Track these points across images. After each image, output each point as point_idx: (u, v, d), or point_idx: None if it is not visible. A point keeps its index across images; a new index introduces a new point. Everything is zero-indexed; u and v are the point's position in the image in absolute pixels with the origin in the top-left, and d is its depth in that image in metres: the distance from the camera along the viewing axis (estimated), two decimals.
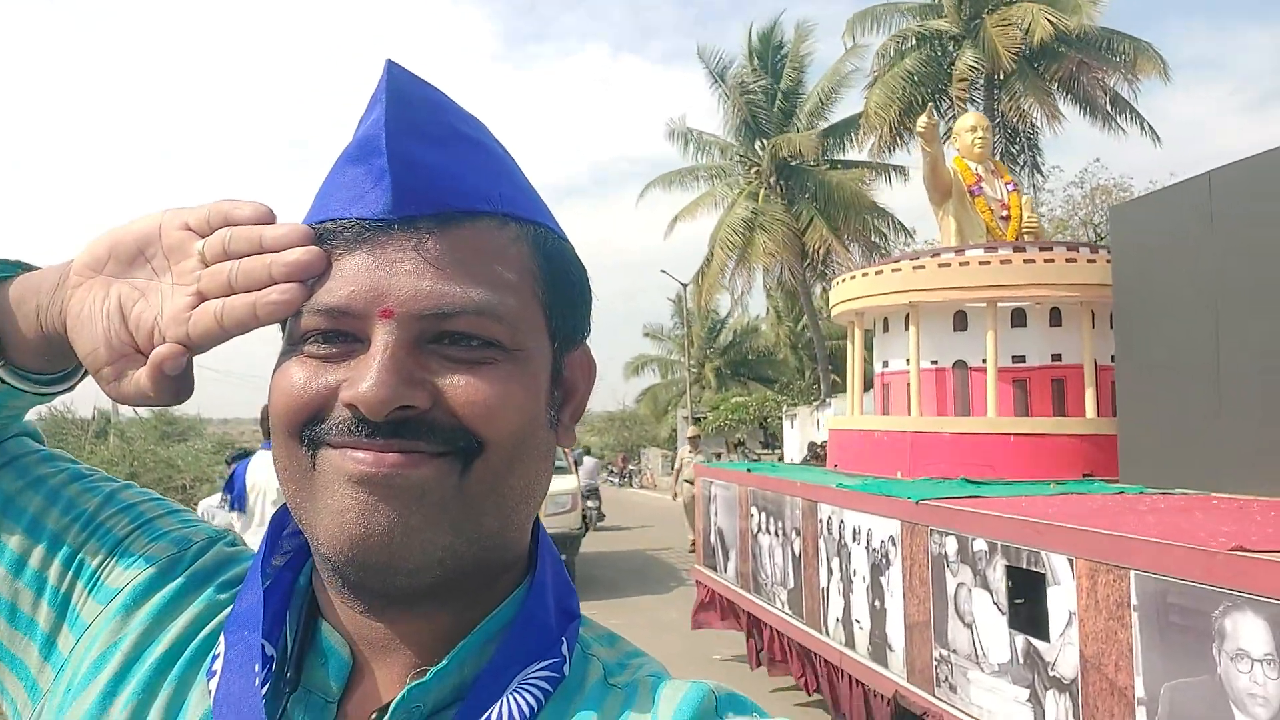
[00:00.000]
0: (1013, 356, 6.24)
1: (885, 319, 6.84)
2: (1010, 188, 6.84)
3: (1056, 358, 6.31)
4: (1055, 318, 6.33)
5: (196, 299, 0.64)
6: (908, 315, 6.60)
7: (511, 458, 0.64)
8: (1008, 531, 3.87)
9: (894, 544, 4.84)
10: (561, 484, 11.76)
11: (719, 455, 21.01)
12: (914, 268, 6.24)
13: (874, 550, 5.05)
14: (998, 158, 27.60)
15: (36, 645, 0.73)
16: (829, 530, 5.58)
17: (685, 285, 27.88)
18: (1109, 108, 26.35)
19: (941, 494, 4.75)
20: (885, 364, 6.86)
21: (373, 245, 0.62)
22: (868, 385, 8.38)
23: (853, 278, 6.72)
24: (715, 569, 7.64)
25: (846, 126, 27.89)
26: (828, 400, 26.78)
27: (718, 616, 7.76)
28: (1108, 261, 6.07)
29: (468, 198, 0.64)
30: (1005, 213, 6.78)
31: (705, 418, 30.36)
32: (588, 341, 0.75)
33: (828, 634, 5.59)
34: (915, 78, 25.90)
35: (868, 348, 7.60)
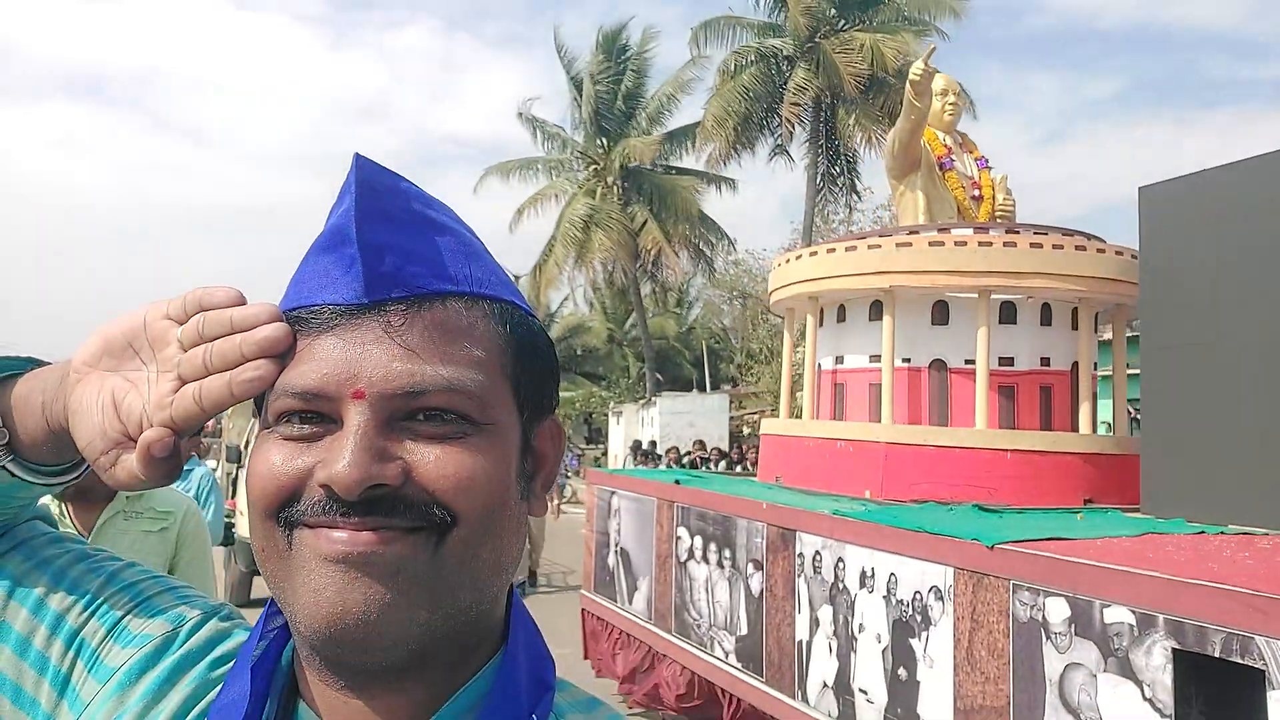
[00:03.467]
0: (1000, 358, 4.86)
1: (842, 306, 5.33)
2: (981, 164, 5.51)
3: (1045, 361, 4.99)
4: (1046, 315, 5.01)
5: (178, 383, 0.64)
6: (876, 303, 5.12)
7: (483, 530, 0.62)
8: (1186, 602, 2.43)
9: (940, 598, 3.33)
10: None
11: None
12: (897, 245, 4.77)
13: (901, 603, 3.53)
14: (818, 179, 27.47)
15: None
16: (814, 569, 4.01)
17: (519, 278, 25.94)
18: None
19: (998, 531, 3.28)
20: (838, 359, 5.36)
21: (344, 329, 0.62)
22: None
23: (812, 254, 5.22)
24: (614, 599, 5.92)
25: (684, 134, 26.92)
26: (653, 399, 25.56)
27: (611, 652, 6.05)
28: (1118, 254, 4.78)
29: (436, 279, 0.64)
30: (977, 191, 5.42)
31: None
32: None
33: (806, 701, 4.03)
34: (751, 94, 25.18)
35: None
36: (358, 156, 0.66)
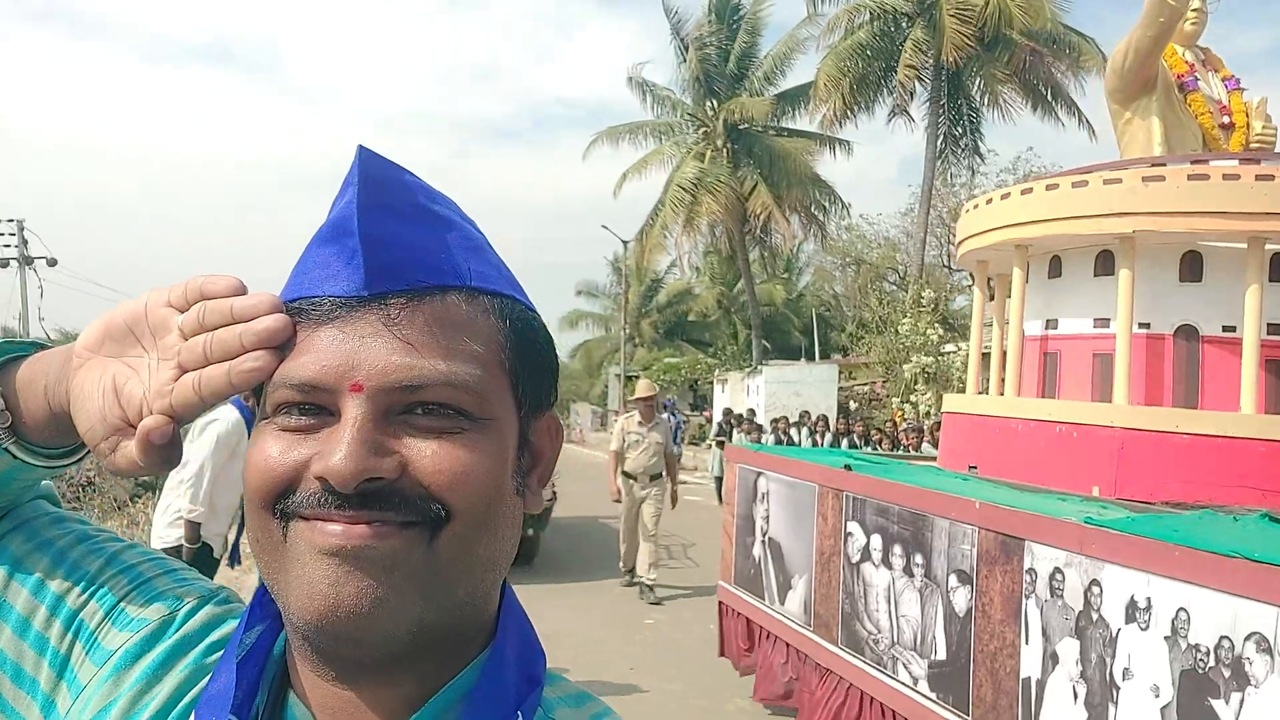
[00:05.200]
0: (1269, 324, 3.73)
1: (1056, 258, 4.26)
2: (1231, 84, 4.34)
3: None
4: None
5: (178, 371, 0.63)
6: (1105, 253, 4.04)
7: (479, 525, 0.61)
8: None
9: (1267, 650, 2.32)
10: None
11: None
12: (1144, 179, 3.67)
13: (1196, 650, 2.55)
14: (940, 140, 25.84)
15: (38, 704, 0.72)
16: (1052, 590, 3.03)
17: (626, 243, 25.16)
18: (1051, 98, 24.51)
19: None
20: (1049, 323, 4.29)
21: (344, 321, 0.61)
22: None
23: (1025, 192, 4.16)
24: (761, 595, 5.02)
25: (797, 95, 25.63)
26: (759, 367, 24.53)
27: (746, 652, 5.18)
28: None
29: (437, 273, 0.63)
30: (1226, 118, 4.26)
31: (636, 377, 27.93)
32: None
33: None
34: (868, 51, 23.67)
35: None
36: (361, 148, 0.64)
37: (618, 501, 8.39)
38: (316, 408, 0.61)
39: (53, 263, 27.52)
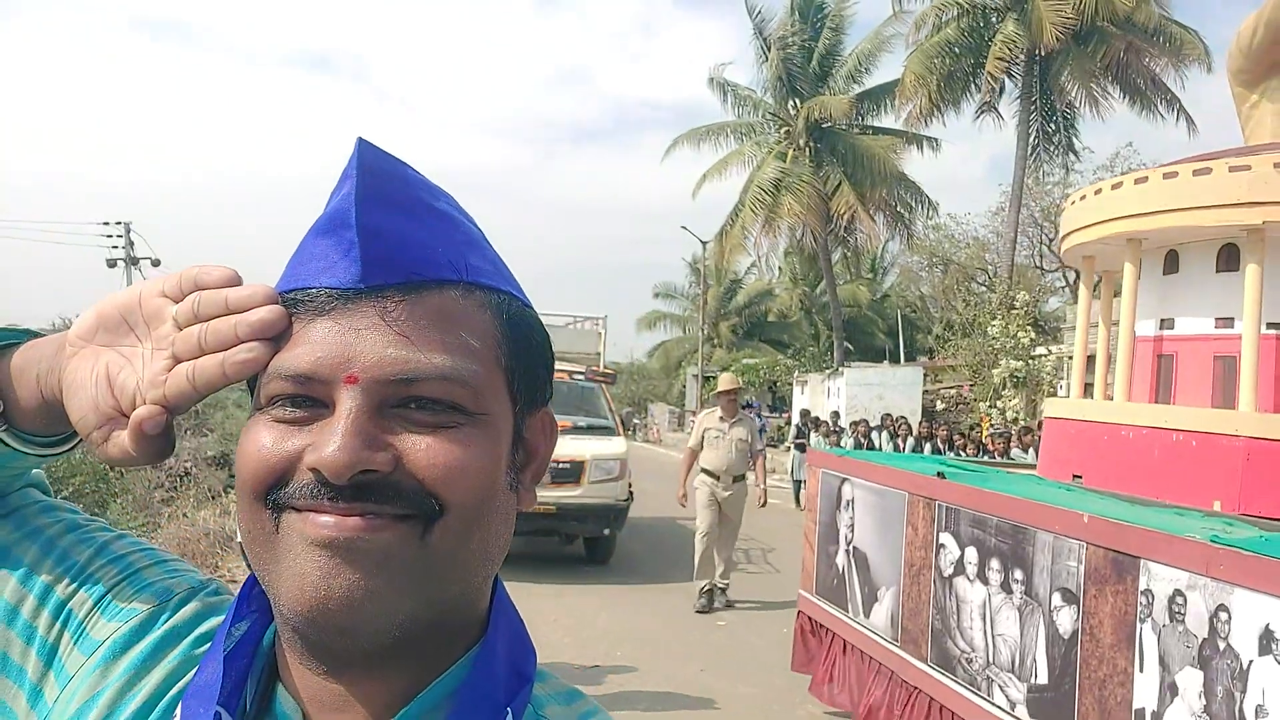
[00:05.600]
0: None
1: (1172, 252, 3.92)
2: None
3: None
4: None
5: (172, 361, 0.63)
6: (1229, 246, 3.70)
7: (472, 520, 0.61)
8: None
9: None
10: (608, 447, 8.76)
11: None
12: (1275, 165, 3.32)
13: None
14: (1031, 138, 24.93)
15: (24, 694, 0.70)
16: (1171, 615, 2.75)
17: (705, 243, 24.95)
18: (1149, 92, 23.45)
19: None
20: (1163, 323, 3.95)
21: (340, 313, 0.60)
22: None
23: (1139, 181, 3.83)
24: (845, 607, 4.77)
25: (882, 92, 25.12)
26: (840, 368, 24.04)
27: (828, 668, 4.93)
28: None
29: (434, 267, 0.63)
30: None
31: (714, 377, 27.67)
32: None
33: None
34: (956, 48, 23.02)
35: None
36: (360, 140, 0.64)
37: (684, 504, 7.96)
38: (311, 400, 0.60)
39: (156, 263, 28.57)
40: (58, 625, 0.71)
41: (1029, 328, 20.94)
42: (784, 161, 24.88)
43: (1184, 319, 3.98)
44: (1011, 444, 14.56)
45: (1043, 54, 22.76)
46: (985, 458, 13.86)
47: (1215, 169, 3.58)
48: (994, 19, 22.82)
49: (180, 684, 0.67)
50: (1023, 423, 18.05)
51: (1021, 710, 3.48)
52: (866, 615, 4.63)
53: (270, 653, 0.66)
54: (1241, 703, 2.62)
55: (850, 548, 4.82)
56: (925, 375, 24.61)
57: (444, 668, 0.63)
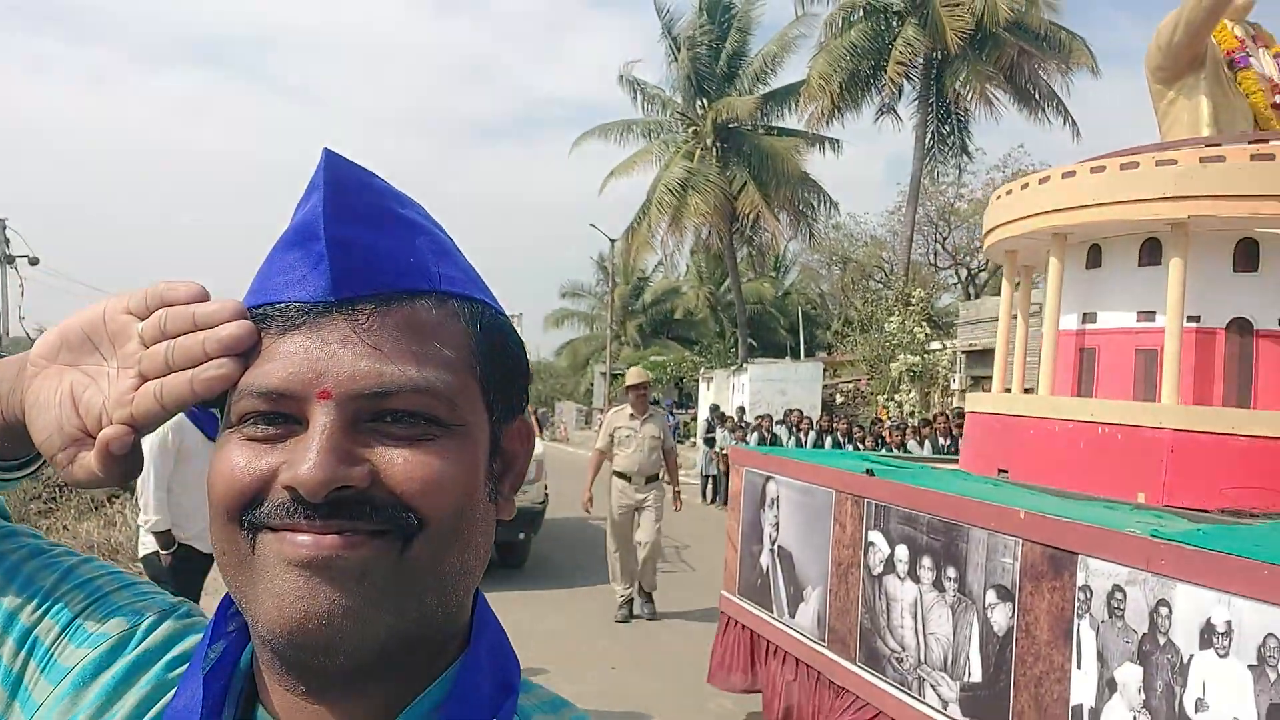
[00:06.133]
0: None
1: (1095, 247, 3.93)
2: None
3: None
4: None
5: (139, 380, 0.61)
6: (1151, 240, 3.72)
7: (451, 534, 0.59)
8: None
9: None
10: None
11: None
12: (1202, 159, 3.33)
13: None
14: (928, 139, 25.60)
15: None
16: (1110, 611, 2.70)
17: (613, 241, 24.79)
18: (1038, 97, 24.34)
19: None
20: (1086, 317, 3.95)
21: (310, 327, 0.59)
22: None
23: (1066, 175, 3.85)
24: (769, 607, 4.66)
25: (786, 93, 25.41)
26: (744, 364, 24.24)
27: (745, 670, 4.82)
28: None
29: (405, 277, 0.61)
30: (1278, 96, 3.93)
31: (622, 375, 27.66)
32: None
33: None
34: (858, 50, 23.41)
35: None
36: (326, 151, 0.62)
37: (589, 510, 7.53)
38: (283, 416, 0.59)
39: (34, 261, 26.86)
40: (23, 653, 0.69)
41: (924, 323, 21.50)
42: (691, 161, 24.93)
43: (1106, 313, 3.99)
44: (907, 436, 14.87)
45: (940, 58, 23.38)
46: (884, 450, 14.11)
47: (1142, 163, 3.58)
48: (895, 23, 23.32)
49: (155, 709, 0.66)
50: (919, 416, 18.50)
51: (954, 709, 3.42)
52: (792, 615, 4.53)
53: (248, 674, 0.65)
54: (1182, 697, 2.58)
55: (775, 547, 4.72)
56: (825, 370, 25.02)
57: (427, 682, 0.62)
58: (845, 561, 4.10)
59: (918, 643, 3.64)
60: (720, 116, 23.99)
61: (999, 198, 4.35)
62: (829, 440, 15.55)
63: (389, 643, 0.58)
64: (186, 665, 0.66)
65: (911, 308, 21.12)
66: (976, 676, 3.33)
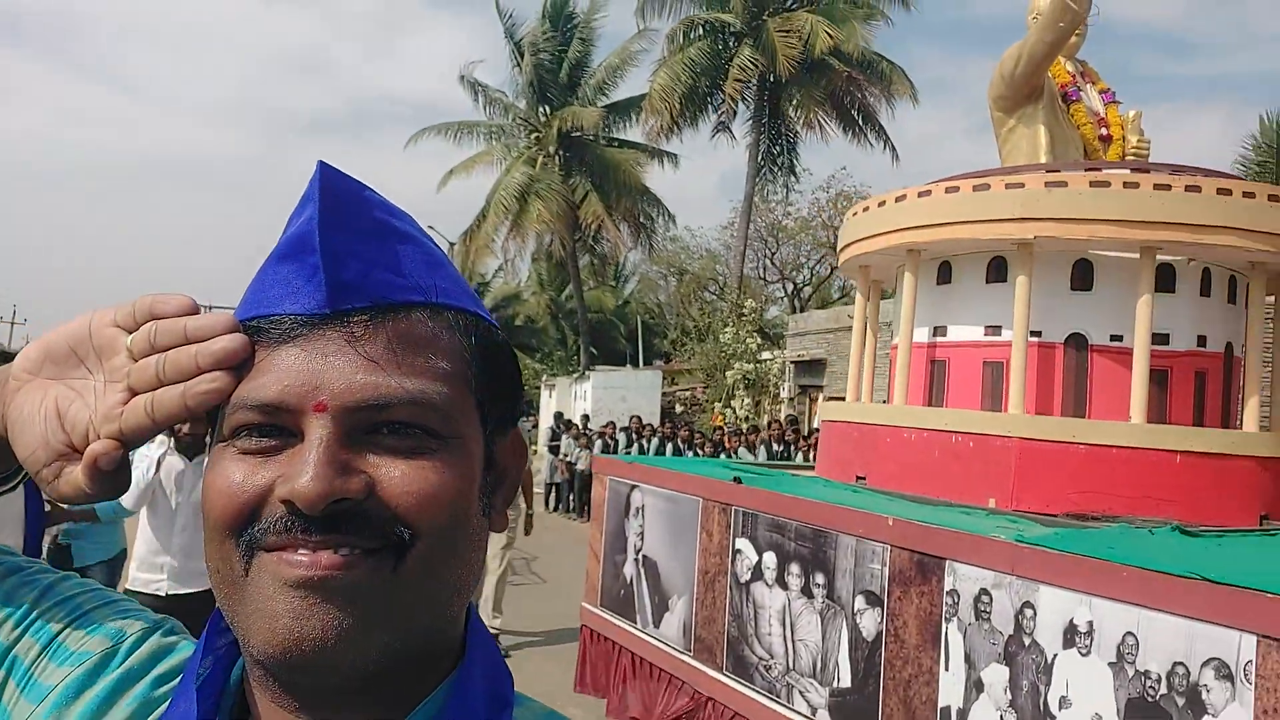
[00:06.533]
0: (1153, 335, 3.70)
1: (946, 264, 4.11)
2: (1107, 98, 4.34)
3: (1201, 341, 3.86)
4: (1205, 283, 3.87)
5: (128, 394, 0.60)
6: (997, 259, 3.92)
7: (445, 549, 0.59)
8: None
9: (1228, 677, 2.16)
10: None
11: None
12: (1047, 184, 3.54)
13: (1146, 676, 2.36)
14: (759, 158, 26.47)
15: None
16: (977, 614, 2.80)
17: (452, 244, 24.27)
18: (862, 122, 25.63)
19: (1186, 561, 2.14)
20: (936, 330, 4.13)
21: (306, 340, 0.58)
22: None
23: (922, 194, 3.97)
24: (633, 618, 4.62)
25: (628, 106, 25.57)
26: (586, 372, 24.27)
27: (613, 680, 4.76)
28: None
29: (400, 289, 0.61)
30: (1104, 130, 4.25)
31: None
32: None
33: None
34: (698, 67, 23.92)
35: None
36: (321, 164, 0.62)
37: None
38: (278, 429, 0.58)
39: None
40: (2, 673, 0.68)
41: (756, 334, 22.19)
42: (533, 168, 24.75)
43: (955, 327, 4.17)
44: (741, 443, 15.28)
45: (774, 80, 24.22)
46: (723, 455, 14.44)
47: (993, 185, 3.76)
48: (733, 43, 23.98)
49: None
50: (752, 422, 19.05)
51: (823, 715, 3.46)
52: (656, 625, 4.49)
53: (238, 691, 0.64)
54: (1046, 695, 2.70)
55: (640, 557, 4.67)
56: (664, 378, 25.39)
57: (421, 698, 0.61)
58: (712, 570, 4.10)
59: (786, 649, 3.67)
60: (565, 125, 23.94)
61: (855, 215, 4.48)
62: (669, 447, 15.75)
63: (382, 660, 0.57)
64: (172, 682, 0.67)
65: (745, 319, 21.74)
66: (846, 681, 3.39)
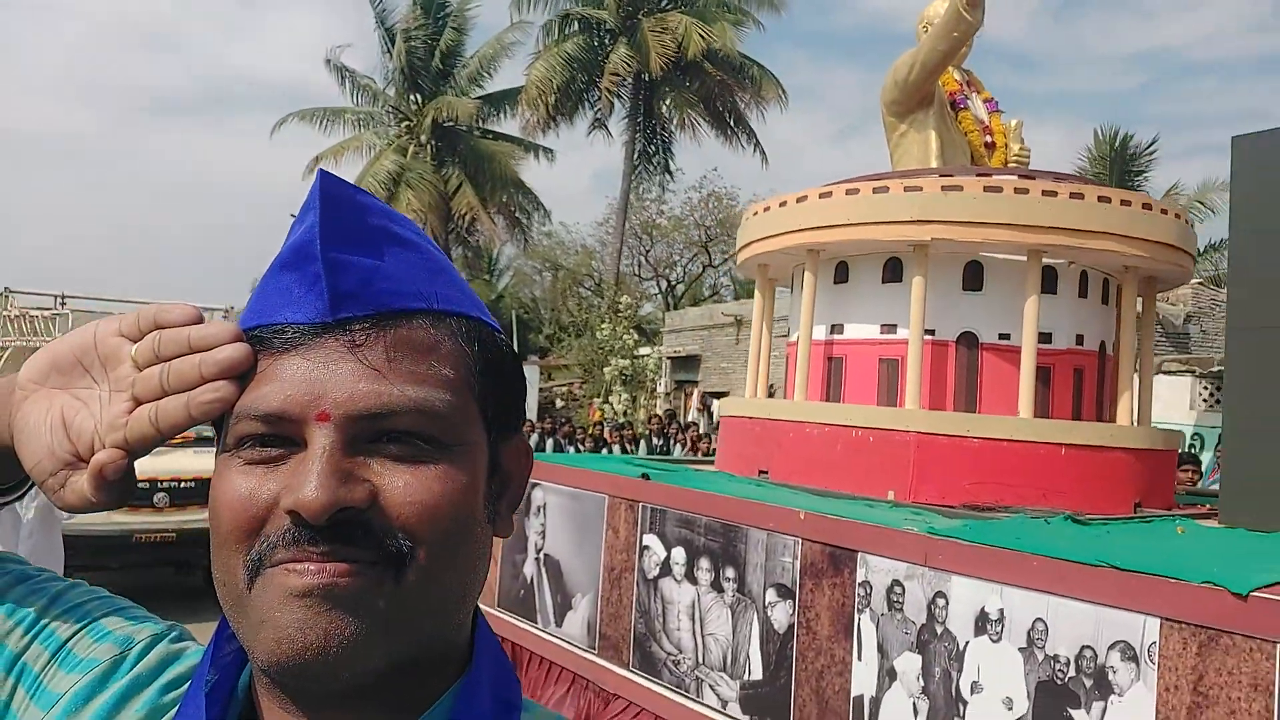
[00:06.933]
0: (1039, 334, 3.90)
1: (843, 264, 4.20)
2: (991, 107, 4.53)
3: (1079, 340, 4.09)
4: (1083, 285, 4.11)
5: (133, 404, 0.61)
6: (893, 260, 4.04)
7: (449, 557, 0.59)
8: None
9: (1133, 659, 2.28)
10: (186, 464, 7.24)
11: None
12: (944, 188, 3.67)
13: (1055, 660, 2.47)
14: (635, 156, 26.61)
15: None
16: (890, 604, 2.87)
17: None
18: (733, 125, 26.13)
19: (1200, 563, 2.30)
20: (834, 328, 4.22)
21: (308, 349, 0.59)
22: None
23: (823, 195, 4.02)
24: (533, 618, 4.54)
25: (503, 98, 25.21)
26: None
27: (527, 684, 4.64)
28: (1175, 216, 3.94)
29: (402, 297, 0.61)
30: (989, 137, 4.44)
31: None
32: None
33: None
34: (574, 62, 23.82)
35: None
36: (321, 172, 0.62)
37: None
38: (281, 438, 0.58)
39: None
40: (11, 680, 0.69)
41: (633, 330, 22.33)
42: (404, 156, 24.10)
43: (853, 325, 4.26)
44: (618, 438, 15.36)
45: (649, 80, 24.36)
46: (605, 450, 14.47)
47: (892, 187, 3.85)
48: (608, 40, 23.99)
49: None
50: (628, 417, 19.17)
51: (734, 708, 3.47)
52: (559, 624, 4.42)
53: (246, 697, 0.64)
54: (958, 681, 2.78)
55: (541, 555, 4.58)
56: (540, 373, 25.21)
57: (428, 704, 0.62)
58: (619, 567, 4.06)
59: (696, 644, 3.66)
60: (439, 115, 23.41)
61: (756, 214, 4.52)
62: (550, 443, 15.67)
63: (387, 668, 0.57)
64: (180, 688, 0.67)
65: (621, 315, 21.84)
66: (757, 674, 3.41)
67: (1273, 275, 3.33)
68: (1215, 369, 14.46)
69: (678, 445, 14.25)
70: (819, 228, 4.09)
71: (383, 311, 0.59)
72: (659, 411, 18.05)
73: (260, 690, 0.62)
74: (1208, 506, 4.06)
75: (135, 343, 0.62)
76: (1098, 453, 3.77)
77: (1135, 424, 4.18)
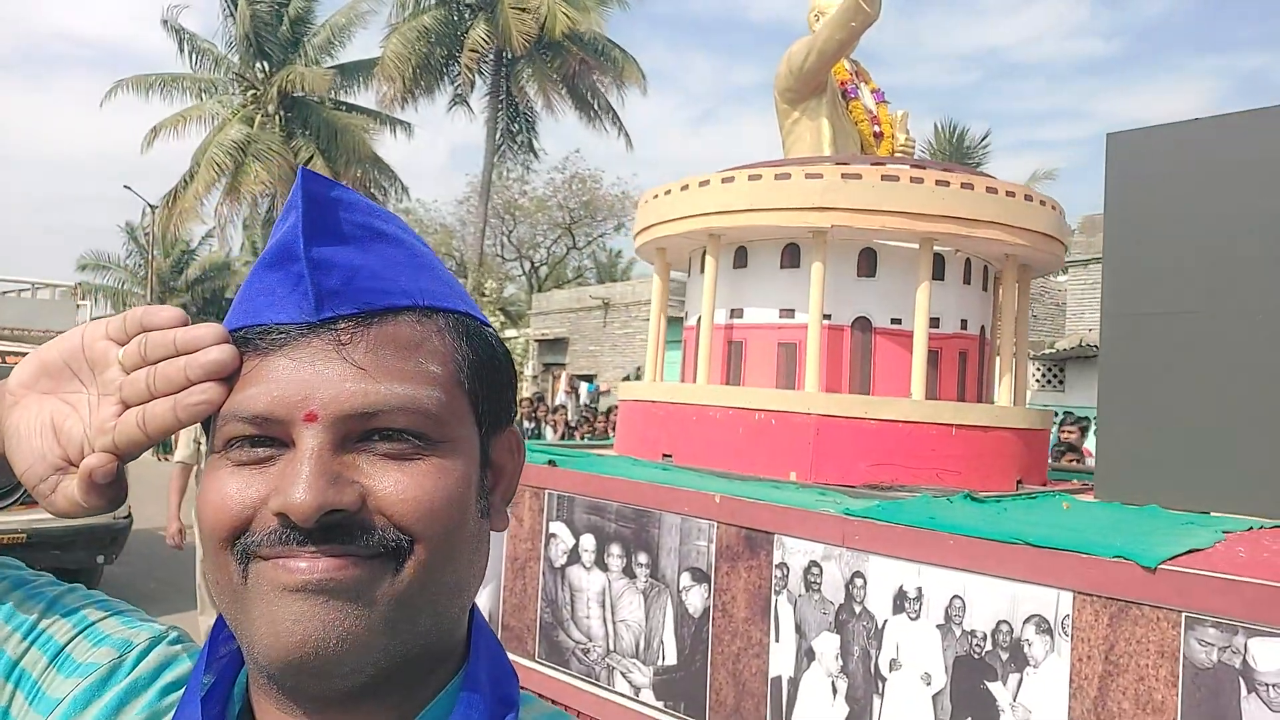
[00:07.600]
0: (930, 319, 4.05)
1: (742, 249, 4.22)
2: (878, 97, 4.64)
3: (964, 324, 4.26)
4: (967, 272, 4.28)
5: (121, 407, 0.60)
6: (792, 246, 4.09)
7: (443, 553, 0.59)
8: None
9: (1048, 631, 2.41)
10: None
11: None
12: (843, 176, 3.73)
13: (973, 635, 2.58)
14: (497, 135, 26.10)
15: None
16: (807, 586, 2.92)
17: (154, 207, 21.86)
18: (597, 107, 26.09)
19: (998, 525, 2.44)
20: (734, 313, 4.24)
21: (294, 349, 0.58)
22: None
23: (725, 180, 4.01)
24: None
25: (356, 69, 24.21)
26: None
27: None
28: (1052, 208, 4.17)
29: (387, 294, 0.60)
30: (877, 127, 4.56)
31: None
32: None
33: None
34: (433, 36, 23.17)
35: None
36: (303, 171, 0.60)
37: (177, 547, 6.11)
38: (270, 439, 0.58)
39: None
40: (9, 686, 0.67)
41: (499, 312, 22.02)
42: (251, 127, 22.80)
43: (752, 310, 4.29)
44: None
45: (510, 57, 23.93)
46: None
47: (794, 174, 3.88)
48: (468, 15, 23.40)
49: None
50: None
51: (648, 694, 3.44)
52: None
53: (243, 700, 0.63)
54: (877, 659, 2.84)
55: None
56: None
57: (426, 700, 0.61)
58: (523, 556, 3.95)
59: (607, 631, 3.61)
60: (287, 84, 22.23)
61: (656, 196, 4.47)
62: None
63: (384, 664, 0.57)
64: (179, 692, 0.66)
65: (485, 298, 21.48)
66: (672, 659, 3.38)
67: (1144, 264, 3.55)
68: (1046, 352, 15.50)
69: (548, 428, 14.13)
70: (721, 212, 4.08)
71: (368, 309, 0.59)
72: (527, 394, 17.86)
73: (257, 692, 0.62)
74: (1078, 482, 4.32)
75: (122, 346, 0.61)
76: (985, 432, 3.93)
77: (1014, 404, 4.39)
